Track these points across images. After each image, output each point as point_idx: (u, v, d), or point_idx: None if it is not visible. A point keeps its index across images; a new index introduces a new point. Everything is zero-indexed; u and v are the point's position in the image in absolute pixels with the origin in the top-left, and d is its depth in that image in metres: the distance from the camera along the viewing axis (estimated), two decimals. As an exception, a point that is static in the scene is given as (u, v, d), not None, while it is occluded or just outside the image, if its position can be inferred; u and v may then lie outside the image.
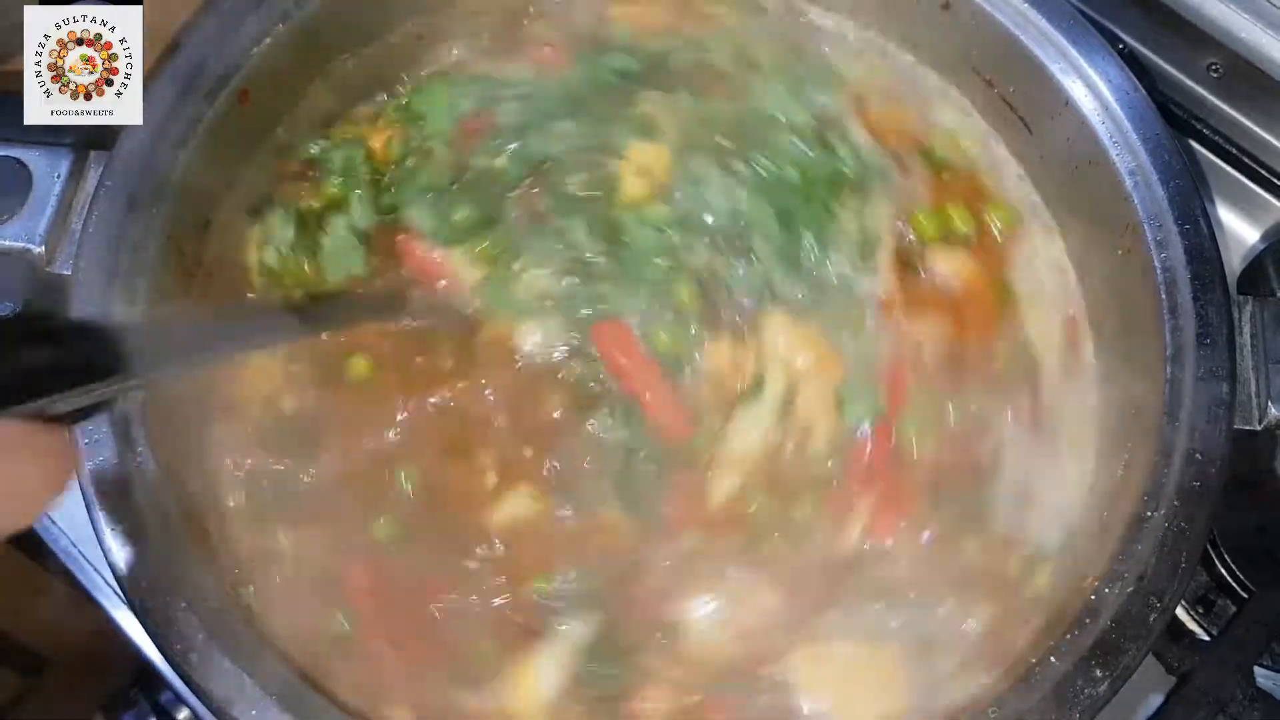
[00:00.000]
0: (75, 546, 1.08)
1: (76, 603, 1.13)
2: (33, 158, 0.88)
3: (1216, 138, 1.13)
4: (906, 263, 0.96)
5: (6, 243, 0.86)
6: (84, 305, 0.84)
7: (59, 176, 0.88)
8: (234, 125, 0.94)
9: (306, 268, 0.95)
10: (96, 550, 1.02)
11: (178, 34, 0.94)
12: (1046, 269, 0.99)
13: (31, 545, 1.14)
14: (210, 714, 0.77)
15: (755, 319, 0.93)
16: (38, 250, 0.86)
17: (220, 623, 0.79)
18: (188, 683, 0.77)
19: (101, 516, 0.80)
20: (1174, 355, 0.85)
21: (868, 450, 0.90)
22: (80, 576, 1.09)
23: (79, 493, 0.81)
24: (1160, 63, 1.13)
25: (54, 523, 1.12)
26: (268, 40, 0.94)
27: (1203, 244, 0.88)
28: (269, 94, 0.96)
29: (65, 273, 0.86)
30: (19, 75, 0.89)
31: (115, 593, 1.06)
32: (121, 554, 0.79)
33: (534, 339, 0.93)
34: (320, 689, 0.79)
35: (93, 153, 0.89)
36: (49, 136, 0.89)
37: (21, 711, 1.34)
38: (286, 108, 0.99)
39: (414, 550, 0.87)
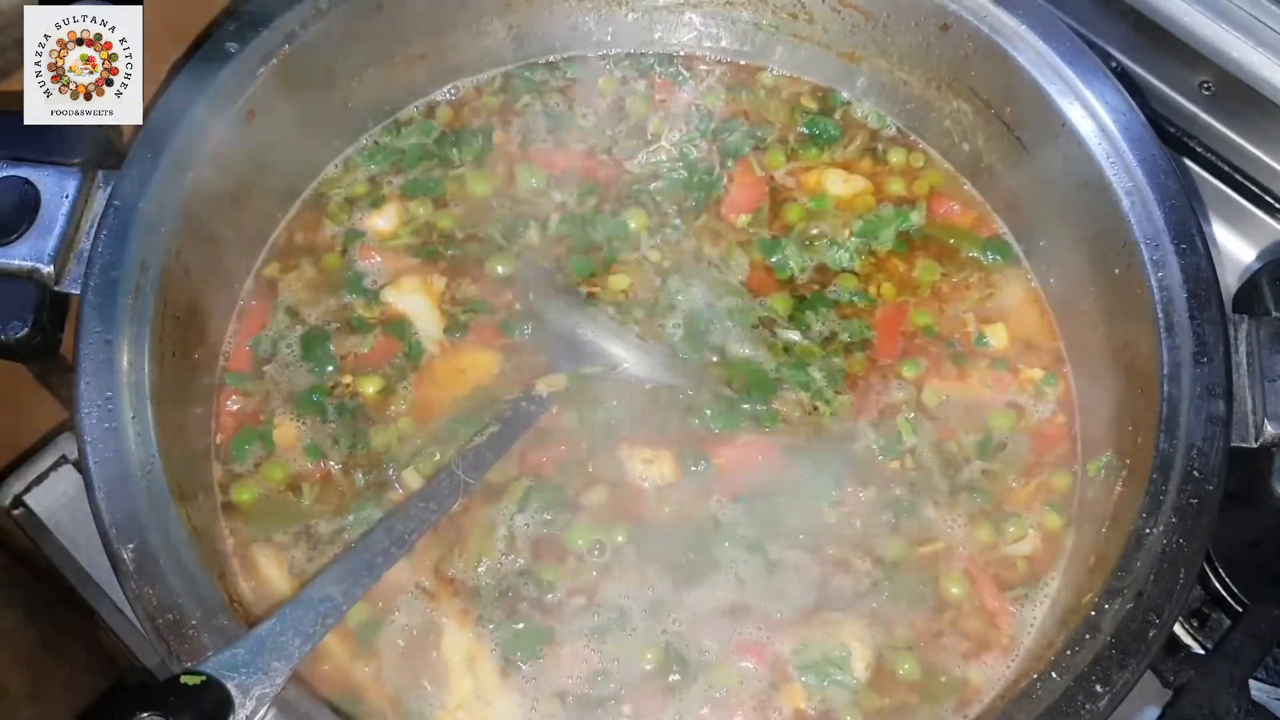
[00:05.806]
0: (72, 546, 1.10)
1: (72, 616, 1.13)
2: (41, 177, 0.88)
3: (1210, 155, 1.15)
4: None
5: (15, 262, 0.86)
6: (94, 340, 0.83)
7: (67, 197, 0.88)
8: (240, 144, 0.94)
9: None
10: (96, 558, 1.03)
11: (183, 55, 0.94)
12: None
13: (31, 558, 1.14)
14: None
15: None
16: (46, 270, 0.86)
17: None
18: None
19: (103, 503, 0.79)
20: (1171, 374, 0.86)
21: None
22: (75, 584, 1.09)
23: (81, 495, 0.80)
24: (1153, 80, 1.15)
25: (50, 530, 1.12)
26: (273, 61, 0.95)
27: (1199, 264, 0.89)
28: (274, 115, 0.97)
29: (74, 292, 0.86)
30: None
31: (110, 600, 1.07)
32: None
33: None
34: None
35: (100, 173, 0.89)
36: (57, 156, 0.89)
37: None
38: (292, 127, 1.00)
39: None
